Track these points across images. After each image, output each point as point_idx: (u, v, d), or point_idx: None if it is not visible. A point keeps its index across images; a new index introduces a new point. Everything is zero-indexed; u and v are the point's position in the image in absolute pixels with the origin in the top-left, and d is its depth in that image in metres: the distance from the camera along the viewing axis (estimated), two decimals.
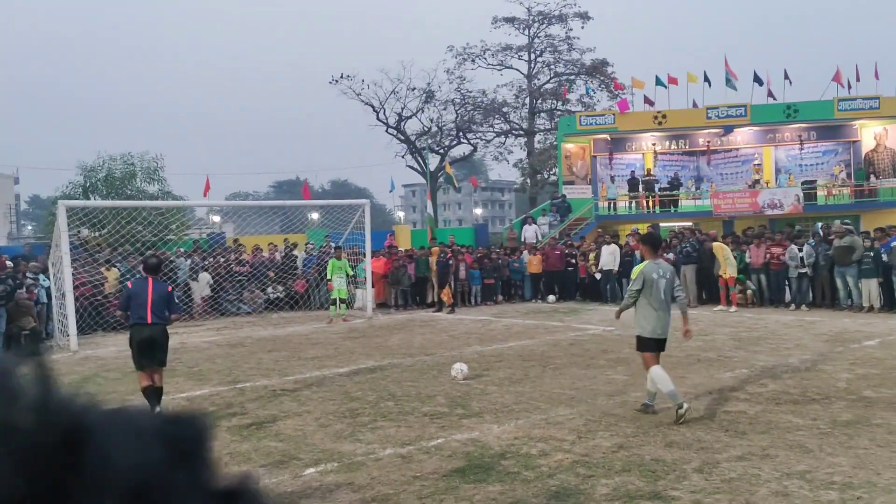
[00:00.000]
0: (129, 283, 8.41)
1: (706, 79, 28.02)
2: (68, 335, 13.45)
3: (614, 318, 8.10)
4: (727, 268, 16.65)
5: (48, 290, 15.41)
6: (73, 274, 14.07)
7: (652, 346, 7.18)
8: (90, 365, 11.63)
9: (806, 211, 24.46)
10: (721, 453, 5.86)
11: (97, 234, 18.13)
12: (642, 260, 7.87)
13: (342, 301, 16.86)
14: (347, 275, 17.18)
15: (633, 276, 7.38)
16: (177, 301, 8.34)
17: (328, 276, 17.02)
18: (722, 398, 7.81)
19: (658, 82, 28.10)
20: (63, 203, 14.53)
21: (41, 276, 15.73)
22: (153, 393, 7.63)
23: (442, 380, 9.30)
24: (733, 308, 16.37)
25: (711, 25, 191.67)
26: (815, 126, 27.09)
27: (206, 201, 24.74)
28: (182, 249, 19.68)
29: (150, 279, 7.85)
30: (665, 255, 16.72)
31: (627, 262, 19.17)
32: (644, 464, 5.65)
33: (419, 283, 20.14)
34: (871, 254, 15.37)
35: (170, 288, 8.03)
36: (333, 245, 19.01)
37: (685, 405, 6.76)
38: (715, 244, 17.31)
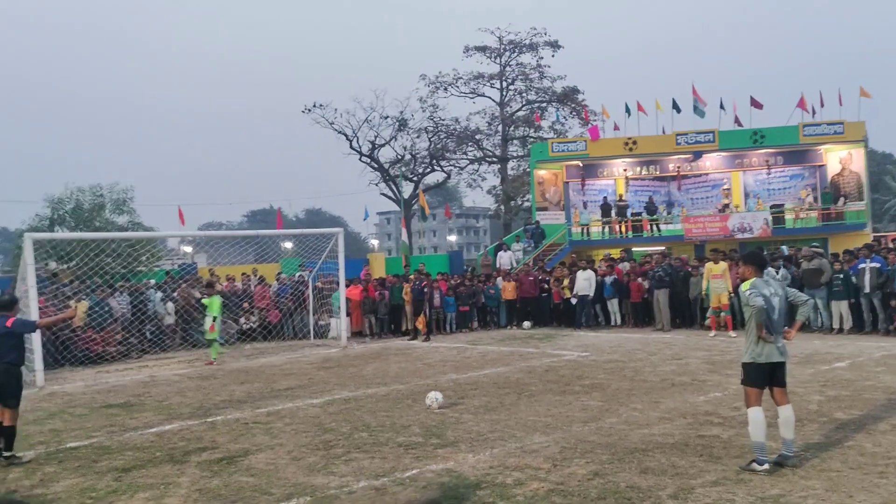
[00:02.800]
0: None
1: (675, 106, 28.56)
2: (34, 371, 13.11)
3: (763, 337, 6.15)
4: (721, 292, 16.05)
5: None
6: (39, 308, 13.78)
7: (760, 378, 6.15)
8: (56, 401, 11.34)
9: (775, 234, 24.88)
10: (696, 478, 5.84)
11: (65, 266, 17.82)
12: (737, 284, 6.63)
13: (211, 342, 15.52)
14: (214, 317, 15.47)
15: (743, 288, 6.36)
16: (25, 326, 8.06)
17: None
18: (696, 422, 7.82)
19: (627, 110, 28.58)
20: (29, 236, 14.28)
21: None
22: (2, 432, 7.53)
23: (417, 409, 9.21)
24: (713, 333, 16.09)
25: (678, 54, 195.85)
26: (781, 151, 27.65)
27: (176, 231, 24.50)
28: (152, 281, 19.39)
29: None
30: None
31: (599, 287, 19.40)
32: (619, 491, 5.61)
33: (394, 311, 20.07)
34: (841, 276, 15.62)
35: (10, 321, 7.77)
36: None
37: (766, 466, 5.91)
38: (709, 264, 16.59)
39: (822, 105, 27.86)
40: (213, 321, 15.44)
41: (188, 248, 33.78)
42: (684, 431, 7.42)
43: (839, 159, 27.27)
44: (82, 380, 13.75)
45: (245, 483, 6.35)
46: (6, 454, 7.51)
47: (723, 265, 16.26)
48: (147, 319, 17.97)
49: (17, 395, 7.75)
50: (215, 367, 14.73)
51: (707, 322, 16.85)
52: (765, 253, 18.59)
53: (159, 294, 18.44)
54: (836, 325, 15.65)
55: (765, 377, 6.17)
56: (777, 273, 16.44)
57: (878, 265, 15.13)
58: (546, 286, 20.53)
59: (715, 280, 16.22)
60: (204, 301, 15.87)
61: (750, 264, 6.49)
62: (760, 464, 5.95)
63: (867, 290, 15.16)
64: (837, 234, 25.01)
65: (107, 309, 16.94)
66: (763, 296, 6.16)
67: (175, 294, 18.62)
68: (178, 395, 11.35)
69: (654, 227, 27.37)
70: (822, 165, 27.56)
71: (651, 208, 27.94)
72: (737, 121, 28.40)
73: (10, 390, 7.65)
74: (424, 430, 8.03)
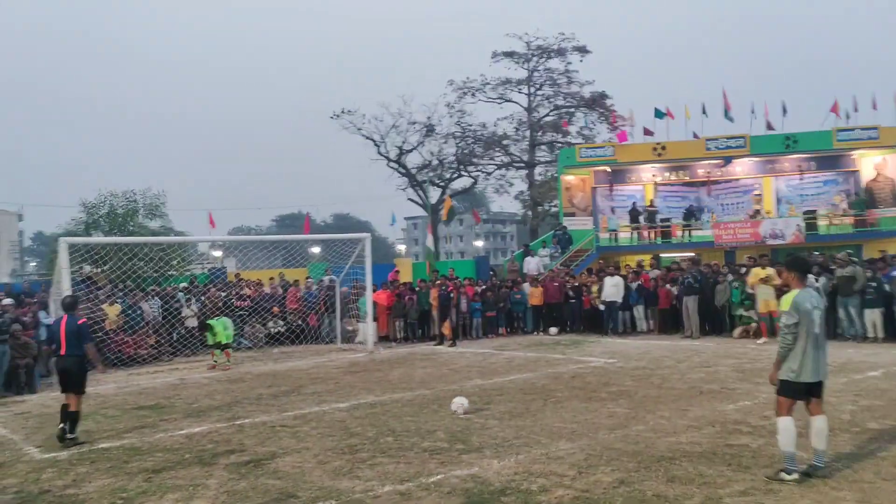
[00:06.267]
0: (52, 321, 9.28)
1: (704, 111, 28.27)
2: None
3: (770, 381, 6.25)
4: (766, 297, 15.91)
5: (49, 327, 15.33)
6: None
7: (796, 392, 6.03)
8: (90, 402, 11.49)
9: (808, 241, 24.45)
10: (724, 488, 5.78)
11: (99, 270, 18.14)
12: (784, 291, 6.37)
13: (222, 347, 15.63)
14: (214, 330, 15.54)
15: (782, 307, 6.17)
16: (89, 333, 9.18)
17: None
18: (725, 431, 7.73)
19: (657, 114, 28.33)
20: (64, 240, 14.58)
21: (42, 313, 15.67)
22: (68, 414, 8.56)
23: (442, 414, 9.23)
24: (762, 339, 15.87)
25: (709, 58, 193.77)
26: (814, 156, 27.21)
27: (207, 236, 24.82)
28: (183, 285, 19.66)
29: (64, 316, 8.94)
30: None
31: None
32: (646, 500, 5.57)
33: (421, 316, 20.10)
34: (874, 284, 15.31)
35: (81, 321, 8.93)
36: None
37: (795, 476, 5.82)
38: (756, 269, 16.44)
39: (856, 110, 27.40)
40: (226, 348, 15.61)
41: (218, 253, 34.19)
42: (712, 440, 7.34)
43: (873, 164, 26.78)
44: (114, 382, 13.98)
45: (272, 486, 6.41)
46: (70, 436, 8.45)
47: (770, 270, 16.07)
48: (178, 323, 18.22)
49: (84, 383, 8.88)
50: (231, 370, 14.93)
51: (737, 333, 16.84)
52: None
53: (186, 297, 18.70)
54: (869, 334, 15.35)
55: (802, 392, 6.06)
56: (816, 281, 16.15)
57: None
58: (572, 292, 20.42)
59: (762, 286, 16.04)
60: (211, 322, 15.73)
61: (793, 270, 6.27)
62: (789, 473, 5.86)
63: None
64: (872, 241, 24.52)
65: (139, 312, 17.22)
66: (805, 310, 5.97)
67: (203, 298, 18.86)
68: (208, 398, 11.49)
69: (686, 233, 26.99)
70: (856, 171, 27.08)
71: (689, 215, 27.38)
72: (769, 126, 27.99)
73: (81, 379, 8.81)
74: (450, 435, 8.03)
